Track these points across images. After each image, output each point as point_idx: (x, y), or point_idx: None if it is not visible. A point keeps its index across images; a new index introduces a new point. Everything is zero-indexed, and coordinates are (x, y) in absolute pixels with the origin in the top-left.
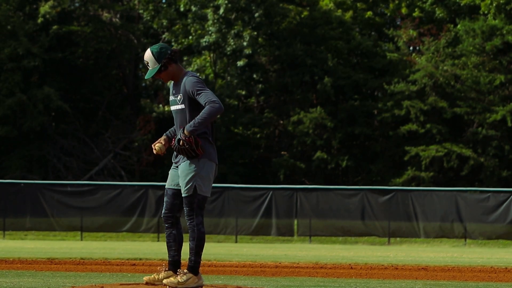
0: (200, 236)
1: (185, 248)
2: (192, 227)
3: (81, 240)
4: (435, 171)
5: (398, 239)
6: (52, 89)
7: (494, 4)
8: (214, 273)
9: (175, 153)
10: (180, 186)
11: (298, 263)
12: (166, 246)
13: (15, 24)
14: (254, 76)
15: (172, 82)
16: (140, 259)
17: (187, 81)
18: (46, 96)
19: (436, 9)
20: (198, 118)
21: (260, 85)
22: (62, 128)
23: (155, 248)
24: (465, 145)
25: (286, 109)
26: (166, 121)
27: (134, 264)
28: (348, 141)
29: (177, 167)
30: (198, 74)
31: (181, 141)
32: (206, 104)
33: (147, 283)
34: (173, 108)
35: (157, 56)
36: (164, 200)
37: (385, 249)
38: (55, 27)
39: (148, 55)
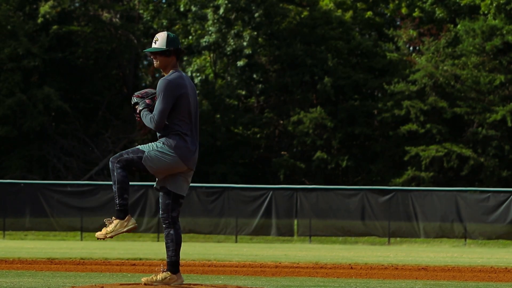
0: (120, 178)
1: (184, 249)
2: (112, 170)
3: (81, 240)
4: (435, 171)
5: (398, 239)
6: (52, 89)
7: (494, 4)
8: (214, 273)
9: None
10: (159, 184)
11: (298, 263)
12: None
13: (15, 24)
14: (254, 76)
15: None
16: (140, 259)
17: (160, 81)
18: (46, 96)
19: (436, 9)
20: (147, 115)
21: (260, 85)
22: (62, 128)
23: (155, 248)
24: (465, 145)
25: (286, 109)
26: None
27: (134, 264)
28: (348, 141)
29: None
30: (175, 77)
31: (137, 106)
32: (153, 114)
33: (145, 284)
34: None
35: (168, 40)
36: (159, 201)
37: (385, 249)
38: (55, 27)
39: (162, 34)
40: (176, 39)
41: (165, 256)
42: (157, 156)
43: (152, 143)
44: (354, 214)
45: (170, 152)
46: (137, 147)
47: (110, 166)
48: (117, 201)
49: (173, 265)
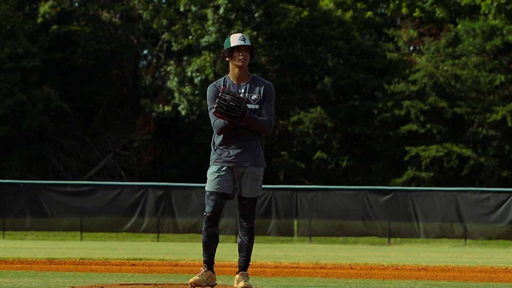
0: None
1: (184, 249)
2: (254, 229)
3: (81, 240)
4: (435, 171)
5: (398, 239)
6: (52, 89)
7: (494, 4)
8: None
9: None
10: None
11: (298, 263)
12: (203, 246)
13: (14, 24)
14: (254, 76)
15: (229, 81)
16: (140, 259)
17: (269, 86)
18: (45, 96)
19: (436, 9)
20: (257, 119)
21: None
22: (62, 128)
23: (155, 248)
24: (465, 145)
25: (286, 109)
26: (166, 121)
27: (134, 264)
28: (348, 141)
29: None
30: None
31: (241, 114)
32: (268, 119)
33: (194, 285)
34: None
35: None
36: (213, 199)
37: (385, 249)
38: (54, 27)
39: (244, 35)
40: None
41: (165, 255)
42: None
43: (257, 171)
44: (354, 214)
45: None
46: (250, 193)
47: (251, 226)
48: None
49: (212, 262)
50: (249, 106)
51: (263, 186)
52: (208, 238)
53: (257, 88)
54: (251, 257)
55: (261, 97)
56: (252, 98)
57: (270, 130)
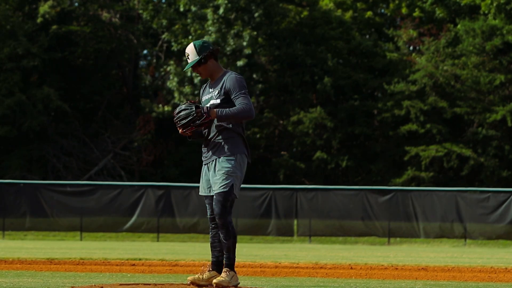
0: (235, 234)
1: (184, 249)
2: (227, 226)
3: (81, 240)
4: (435, 171)
5: (398, 239)
6: (52, 89)
7: (494, 4)
8: None
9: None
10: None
11: (298, 263)
12: (210, 247)
13: (14, 24)
14: (254, 76)
15: (208, 83)
16: (140, 259)
17: (230, 78)
18: (45, 96)
19: (436, 9)
20: (228, 110)
21: (260, 85)
22: (61, 128)
23: (154, 248)
24: (465, 145)
25: (286, 109)
26: (166, 121)
27: (133, 264)
28: (348, 141)
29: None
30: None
31: (200, 113)
32: (240, 105)
33: (191, 283)
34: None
35: (198, 49)
36: (208, 203)
37: (385, 249)
38: (54, 27)
39: (190, 47)
40: (204, 43)
41: (165, 255)
42: (238, 180)
43: (224, 166)
44: (354, 214)
45: (241, 164)
46: (216, 188)
47: (220, 222)
48: (232, 256)
49: (219, 264)
50: (212, 101)
51: (264, 186)
52: (212, 238)
53: (220, 83)
54: (250, 257)
55: (223, 90)
56: (214, 94)
57: (250, 113)
